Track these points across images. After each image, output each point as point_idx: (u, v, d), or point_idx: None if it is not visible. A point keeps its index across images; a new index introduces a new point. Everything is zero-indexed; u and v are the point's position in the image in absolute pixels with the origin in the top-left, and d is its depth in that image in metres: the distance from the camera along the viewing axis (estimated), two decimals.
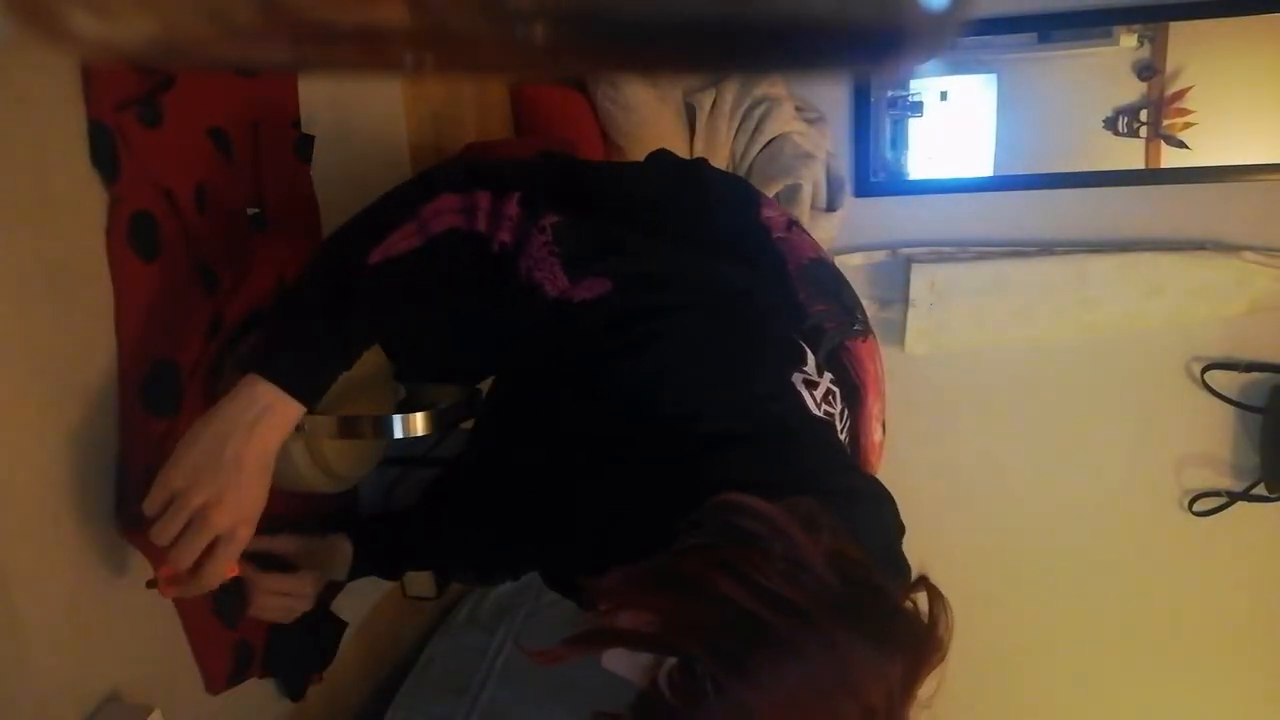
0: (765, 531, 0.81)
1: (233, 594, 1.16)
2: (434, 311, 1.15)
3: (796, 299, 1.12)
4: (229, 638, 1.16)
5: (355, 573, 1.32)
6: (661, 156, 1.23)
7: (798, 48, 0.35)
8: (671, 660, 0.80)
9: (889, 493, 1.04)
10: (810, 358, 1.06)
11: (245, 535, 0.99)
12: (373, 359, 1.25)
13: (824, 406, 1.05)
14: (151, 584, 1.02)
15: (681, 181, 1.18)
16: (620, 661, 0.85)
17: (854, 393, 1.13)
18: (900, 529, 1.03)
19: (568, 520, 1.15)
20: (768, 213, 1.20)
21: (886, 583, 0.84)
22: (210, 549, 0.97)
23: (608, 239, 1.06)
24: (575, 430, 1.11)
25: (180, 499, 0.94)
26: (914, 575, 0.91)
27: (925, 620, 0.83)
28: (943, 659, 0.82)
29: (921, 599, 0.85)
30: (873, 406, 1.17)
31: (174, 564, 0.96)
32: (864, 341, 1.17)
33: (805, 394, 1.03)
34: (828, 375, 1.08)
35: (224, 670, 1.15)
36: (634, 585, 0.85)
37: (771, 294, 1.11)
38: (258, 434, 0.96)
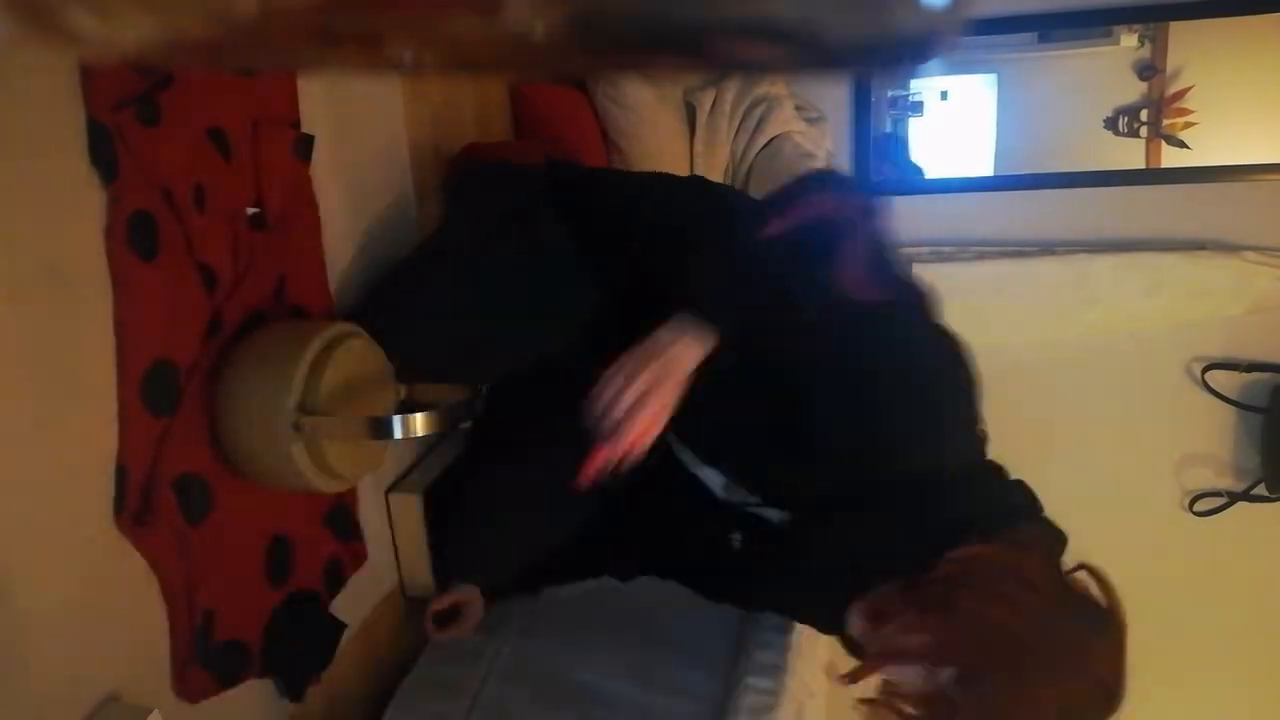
0: (1000, 563, 1.10)
1: (210, 628, 1.15)
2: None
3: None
4: (207, 653, 1.15)
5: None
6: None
7: (800, 55, 0.35)
8: (951, 670, 1.04)
9: (1020, 482, 1.28)
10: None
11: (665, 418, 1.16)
12: (373, 359, 1.25)
13: None
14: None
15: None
16: (891, 672, 1.09)
17: None
18: None
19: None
20: None
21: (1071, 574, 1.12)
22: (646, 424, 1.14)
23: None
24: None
25: (625, 388, 1.13)
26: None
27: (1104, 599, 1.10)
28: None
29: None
30: None
31: (626, 435, 1.13)
32: None
33: None
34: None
35: (202, 685, 1.14)
36: (905, 607, 1.10)
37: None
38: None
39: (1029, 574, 1.09)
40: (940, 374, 1.24)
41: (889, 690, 1.10)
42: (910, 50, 0.34)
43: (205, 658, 1.13)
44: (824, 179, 1.38)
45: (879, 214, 1.24)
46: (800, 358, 1.23)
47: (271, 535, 1.25)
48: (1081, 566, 1.12)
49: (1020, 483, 1.27)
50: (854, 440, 1.20)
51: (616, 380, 1.14)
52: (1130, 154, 2.42)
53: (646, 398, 1.13)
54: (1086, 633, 1.06)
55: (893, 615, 1.11)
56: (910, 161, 2.56)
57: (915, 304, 1.26)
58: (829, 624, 1.31)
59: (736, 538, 1.37)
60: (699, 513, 1.42)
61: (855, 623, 1.17)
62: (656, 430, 1.15)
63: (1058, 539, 1.19)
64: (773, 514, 1.34)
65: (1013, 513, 1.21)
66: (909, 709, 1.07)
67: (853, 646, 1.24)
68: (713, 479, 1.40)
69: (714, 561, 1.43)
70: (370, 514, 1.50)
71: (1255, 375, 2.48)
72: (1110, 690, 1.05)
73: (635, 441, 1.13)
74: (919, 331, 1.25)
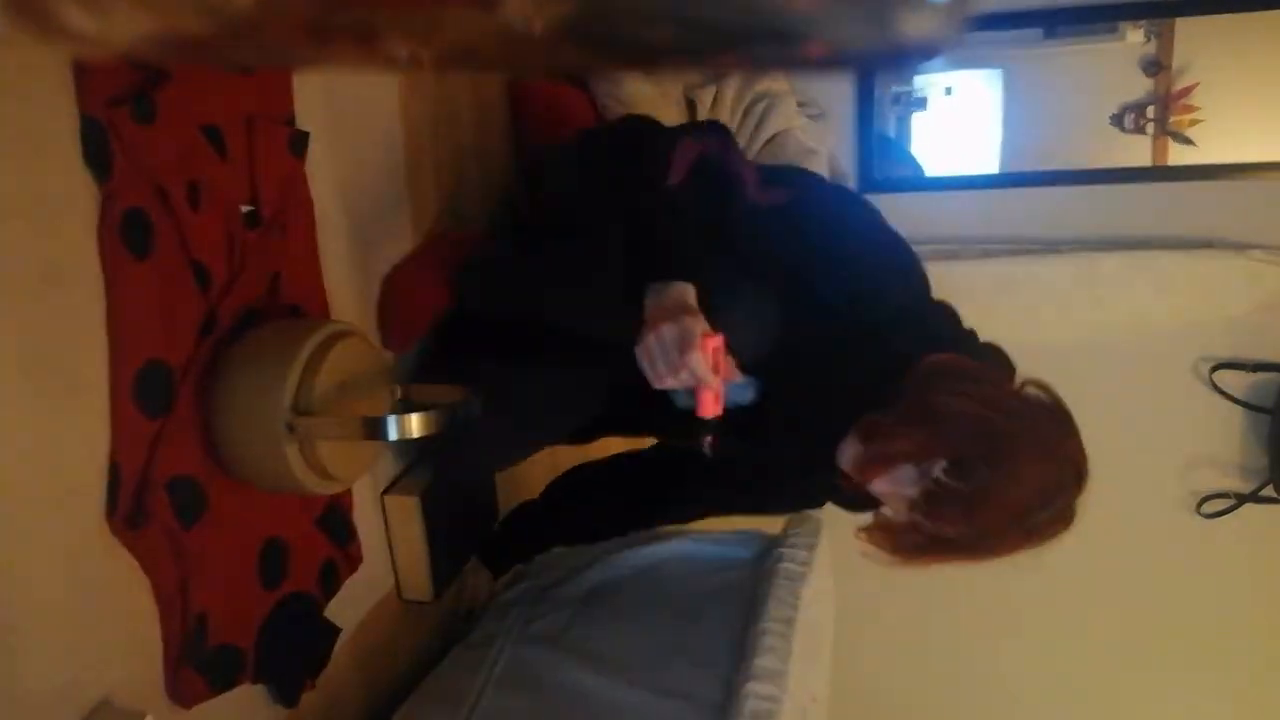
0: (960, 367, 1.26)
1: (203, 632, 1.14)
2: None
3: None
4: (199, 657, 1.14)
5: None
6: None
7: (803, 59, 0.35)
8: (941, 462, 1.19)
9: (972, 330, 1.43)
10: None
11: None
12: (368, 359, 1.24)
13: None
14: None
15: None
16: (888, 483, 1.24)
17: None
18: None
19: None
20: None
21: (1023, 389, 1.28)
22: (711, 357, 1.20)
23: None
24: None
25: (665, 338, 1.18)
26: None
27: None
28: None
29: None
30: None
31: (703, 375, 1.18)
32: None
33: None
34: None
35: (195, 689, 1.13)
36: (890, 419, 1.24)
37: None
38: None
39: (990, 373, 1.28)
40: (873, 231, 1.39)
41: (880, 519, 1.32)
42: (914, 49, 0.34)
43: (198, 661, 1.12)
44: (670, 132, 1.49)
45: (728, 139, 1.44)
46: (758, 253, 1.34)
47: (265, 538, 1.24)
48: (1030, 381, 1.27)
49: (971, 331, 1.41)
50: (825, 294, 1.31)
51: (652, 348, 1.19)
52: (1136, 151, 2.42)
53: (686, 343, 1.17)
54: (1049, 420, 1.23)
55: (881, 428, 1.25)
56: (910, 155, 2.56)
57: (817, 191, 1.43)
58: (815, 488, 1.53)
59: (707, 440, 1.42)
60: (666, 426, 1.57)
61: (848, 451, 1.30)
62: (720, 352, 1.21)
63: (1009, 360, 1.37)
64: (743, 393, 1.42)
65: (964, 338, 1.38)
66: (902, 523, 1.27)
67: (846, 500, 1.46)
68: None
69: (686, 478, 1.62)
70: (365, 516, 1.49)
71: (1263, 375, 2.48)
72: (1079, 469, 1.22)
73: (719, 373, 1.21)
74: (834, 209, 1.41)
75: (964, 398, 1.22)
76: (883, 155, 2.54)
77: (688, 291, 1.21)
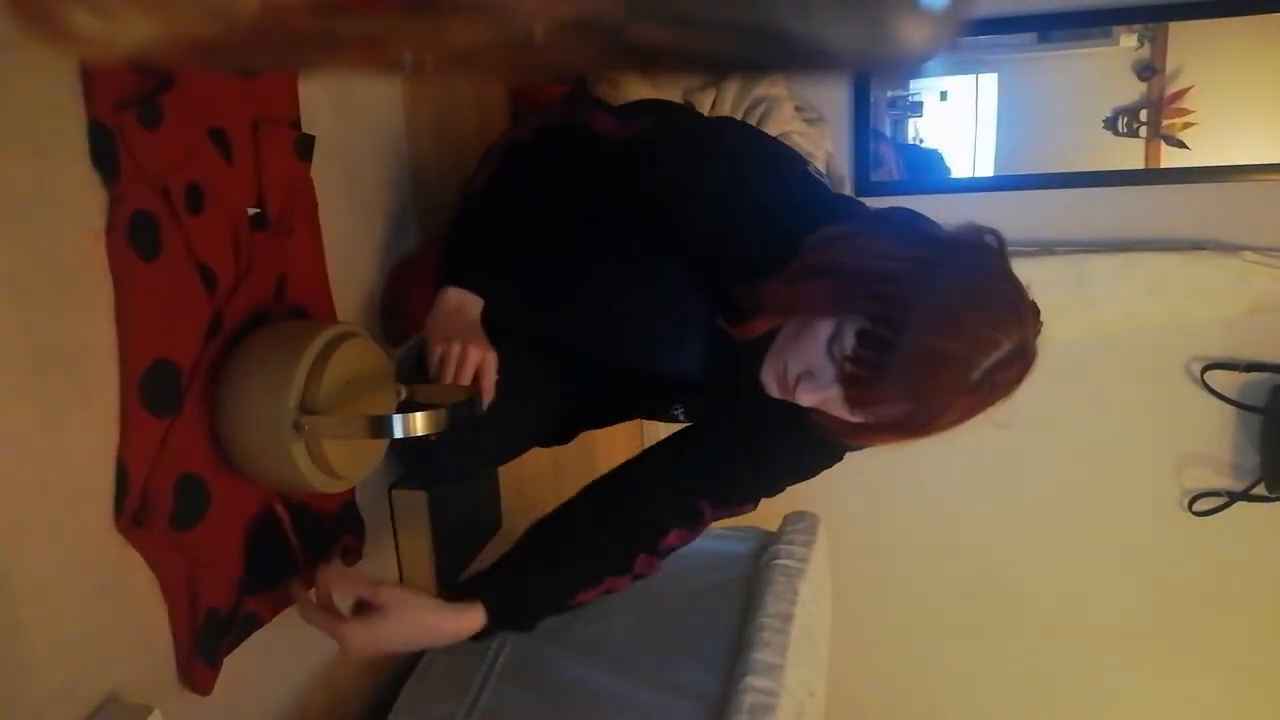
0: (864, 232, 1.15)
1: (213, 627, 1.15)
2: None
3: None
4: (211, 650, 1.15)
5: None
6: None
7: (804, 63, 0.35)
8: (848, 335, 1.05)
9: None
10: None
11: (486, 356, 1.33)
12: (373, 359, 1.25)
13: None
14: None
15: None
16: (797, 352, 1.11)
17: None
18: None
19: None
20: None
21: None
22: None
23: None
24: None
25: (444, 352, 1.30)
26: None
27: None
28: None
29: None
30: None
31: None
32: None
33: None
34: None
35: (207, 680, 1.14)
36: (793, 280, 1.12)
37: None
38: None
39: (889, 231, 1.17)
40: (732, 155, 1.30)
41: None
42: (911, 55, 0.34)
43: (209, 654, 1.13)
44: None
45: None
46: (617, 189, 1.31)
47: None
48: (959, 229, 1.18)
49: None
50: (689, 222, 1.25)
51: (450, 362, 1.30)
52: (1130, 154, 2.43)
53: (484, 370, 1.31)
54: (966, 257, 1.12)
55: (770, 295, 1.14)
56: (919, 150, 2.56)
57: (674, 119, 1.38)
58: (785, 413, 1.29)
59: (679, 411, 1.46)
60: (640, 395, 1.55)
61: (766, 368, 1.17)
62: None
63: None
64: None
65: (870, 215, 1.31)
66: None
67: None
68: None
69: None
70: (369, 511, 1.50)
71: (1254, 375, 2.49)
72: (1016, 304, 1.11)
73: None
74: (686, 136, 1.31)
75: (854, 251, 1.09)
76: (914, 161, 2.55)
77: (475, 307, 1.34)
